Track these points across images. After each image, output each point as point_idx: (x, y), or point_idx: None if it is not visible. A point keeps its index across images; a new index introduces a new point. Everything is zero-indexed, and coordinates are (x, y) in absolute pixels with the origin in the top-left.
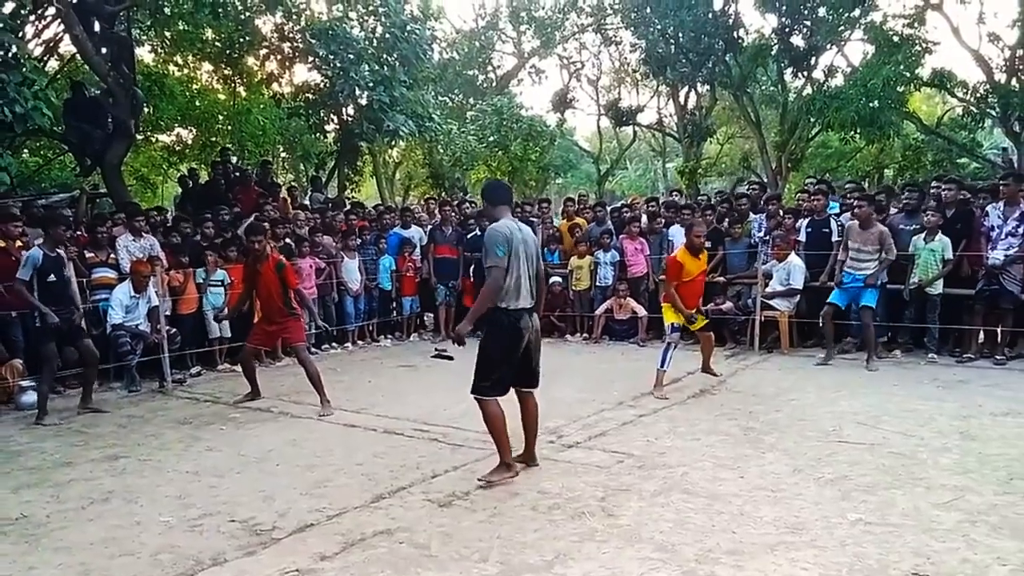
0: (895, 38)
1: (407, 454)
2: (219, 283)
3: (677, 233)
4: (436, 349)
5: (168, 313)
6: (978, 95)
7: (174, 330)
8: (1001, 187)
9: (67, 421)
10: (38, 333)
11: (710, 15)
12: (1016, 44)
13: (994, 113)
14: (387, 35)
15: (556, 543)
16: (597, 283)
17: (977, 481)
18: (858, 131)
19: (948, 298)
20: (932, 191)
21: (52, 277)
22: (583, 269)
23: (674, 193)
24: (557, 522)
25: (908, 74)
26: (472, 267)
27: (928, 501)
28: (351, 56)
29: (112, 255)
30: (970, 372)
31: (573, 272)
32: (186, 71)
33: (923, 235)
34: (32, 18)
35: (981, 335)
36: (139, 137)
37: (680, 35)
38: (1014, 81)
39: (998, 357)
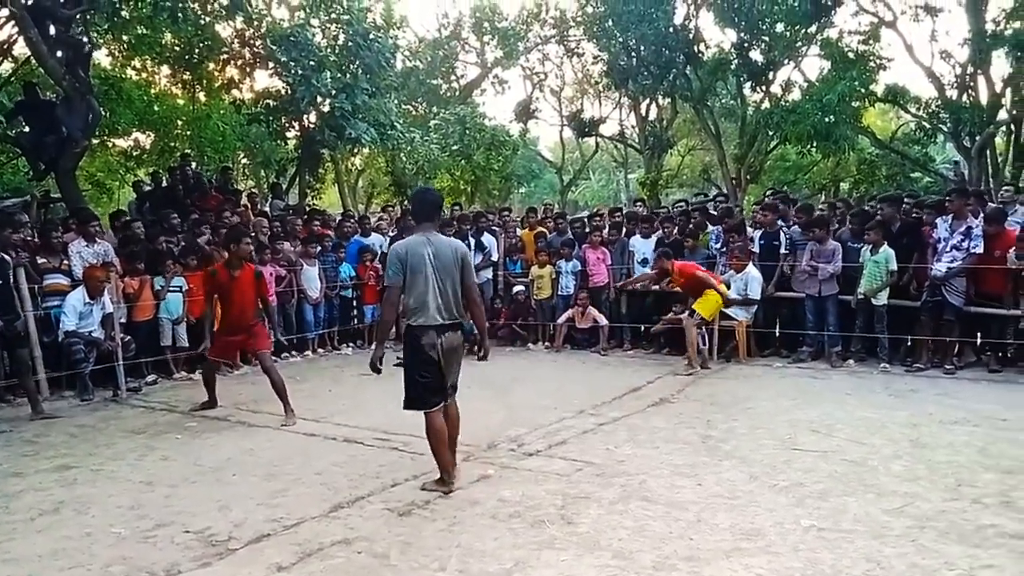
0: (850, 54)
1: (367, 463)
2: (177, 289)
3: (638, 243)
4: (398, 357)
5: (123, 320)
6: (930, 111)
7: (129, 338)
8: (947, 202)
9: (17, 430)
10: None
11: (671, 29)
12: (967, 62)
13: (946, 128)
14: (349, 43)
15: (515, 551)
16: (559, 292)
17: (926, 488)
18: (814, 145)
19: (899, 309)
20: (872, 209)
21: None
22: (544, 278)
23: (636, 204)
24: (516, 530)
25: (863, 90)
26: None
27: (879, 507)
28: (313, 63)
29: (65, 261)
30: (921, 381)
31: (535, 281)
32: (144, 75)
33: (868, 247)
34: None
35: (932, 344)
36: (95, 142)
37: (642, 48)
38: (965, 97)
39: (947, 367)
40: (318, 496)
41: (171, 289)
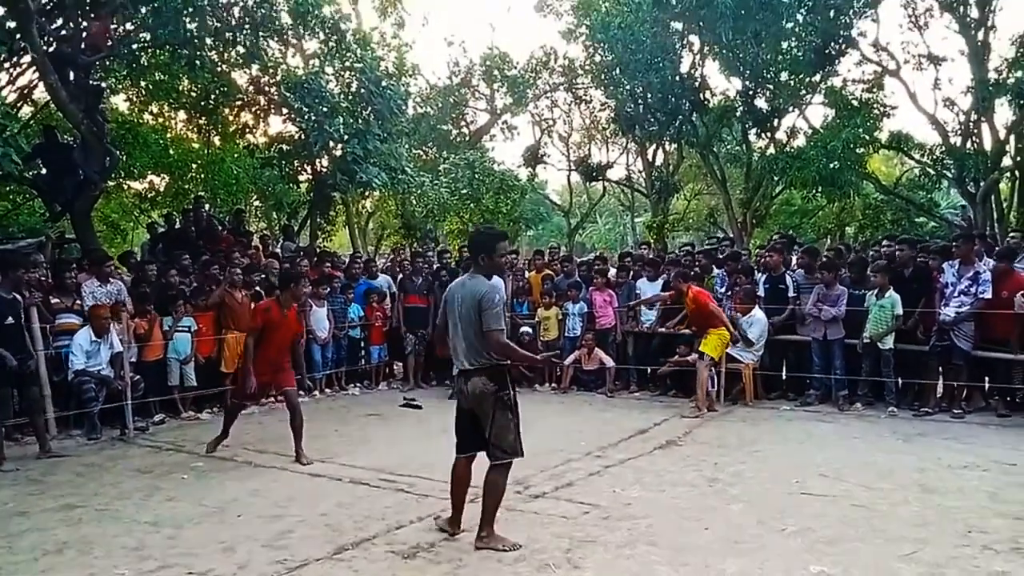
0: (854, 102)
1: (372, 504)
2: (186, 329)
3: (644, 285)
4: (404, 398)
5: (133, 360)
6: (934, 157)
7: (138, 377)
8: (954, 247)
9: (24, 469)
10: None
11: (677, 77)
12: (970, 109)
13: (950, 174)
14: (362, 90)
15: None
16: (566, 334)
17: (936, 534)
18: (819, 190)
19: (906, 353)
20: (884, 250)
21: (9, 320)
22: (551, 320)
23: (643, 247)
24: (522, 574)
25: (867, 136)
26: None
27: (889, 553)
28: (326, 109)
29: (78, 301)
30: (929, 425)
31: (541, 323)
32: (161, 120)
33: (874, 292)
34: (7, 65)
35: (940, 389)
36: (111, 184)
37: (648, 95)
38: (968, 144)
39: (955, 411)
40: (323, 538)
41: (179, 329)
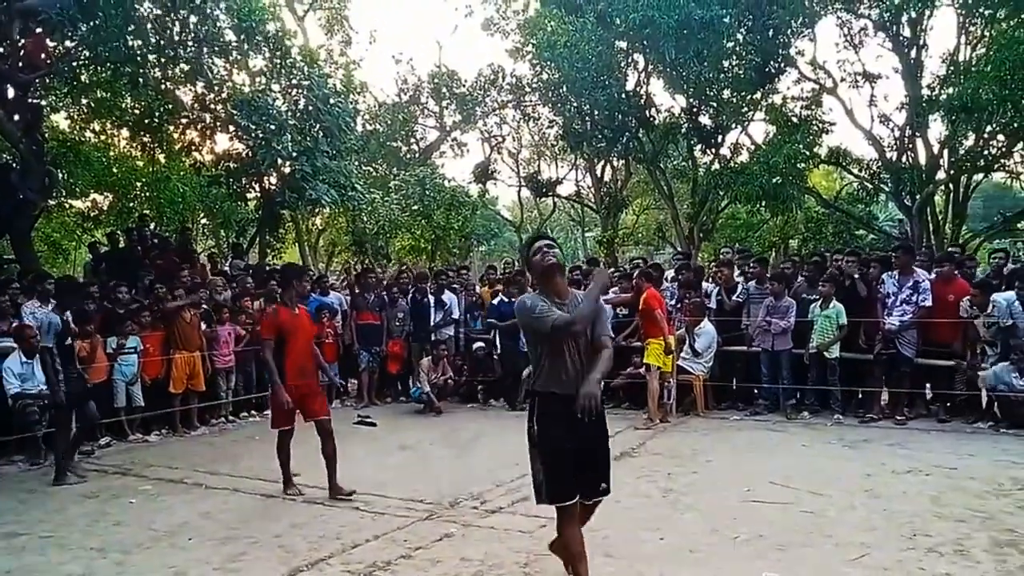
0: (794, 119)
1: (327, 524)
2: (132, 350)
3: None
4: (358, 415)
5: None
6: (872, 172)
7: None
8: (893, 258)
9: None
10: None
11: (623, 95)
12: (904, 124)
13: (887, 188)
14: (310, 107)
15: None
16: (521, 348)
17: (882, 538)
18: (763, 204)
19: (851, 361)
20: (833, 263)
21: None
22: None
23: (591, 262)
24: None
25: (807, 152)
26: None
27: (838, 558)
28: (273, 127)
29: (15, 324)
30: (873, 432)
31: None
32: (103, 138)
33: (819, 302)
34: None
35: (885, 396)
36: (52, 203)
37: (595, 112)
38: (904, 158)
39: (898, 417)
40: (276, 559)
41: (125, 351)
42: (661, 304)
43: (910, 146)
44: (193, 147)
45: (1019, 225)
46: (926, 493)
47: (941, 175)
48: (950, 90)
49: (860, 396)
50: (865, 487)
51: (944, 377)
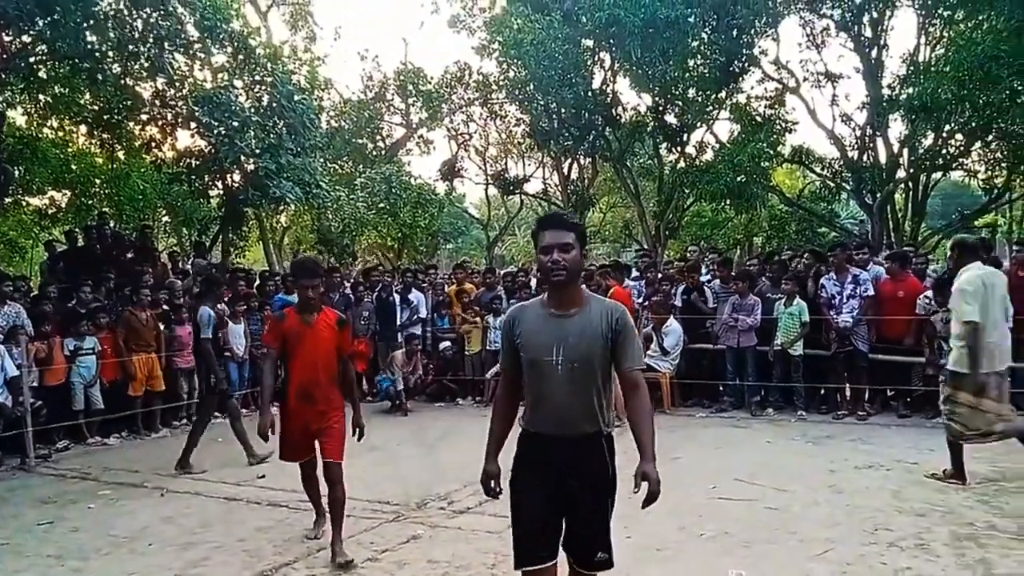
0: (758, 118)
1: (292, 527)
2: (90, 351)
3: None
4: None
5: (35, 384)
6: (833, 170)
7: (39, 403)
8: (830, 258)
9: None
10: None
11: (589, 93)
12: (865, 124)
13: (848, 187)
14: (273, 104)
15: None
16: (487, 347)
17: (846, 533)
18: (728, 202)
19: (814, 358)
20: (791, 261)
21: None
22: (473, 333)
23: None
24: None
25: (771, 151)
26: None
27: (803, 554)
28: (236, 124)
29: None
30: (836, 428)
31: (464, 337)
32: (61, 134)
33: (782, 300)
34: None
35: (848, 391)
36: (7, 200)
37: (562, 110)
38: (865, 157)
39: (860, 413)
40: (240, 564)
41: (83, 352)
42: (629, 302)
43: (871, 145)
44: (154, 144)
45: (976, 223)
46: (887, 488)
47: (901, 174)
48: (910, 90)
49: (823, 392)
50: (828, 483)
51: (904, 373)
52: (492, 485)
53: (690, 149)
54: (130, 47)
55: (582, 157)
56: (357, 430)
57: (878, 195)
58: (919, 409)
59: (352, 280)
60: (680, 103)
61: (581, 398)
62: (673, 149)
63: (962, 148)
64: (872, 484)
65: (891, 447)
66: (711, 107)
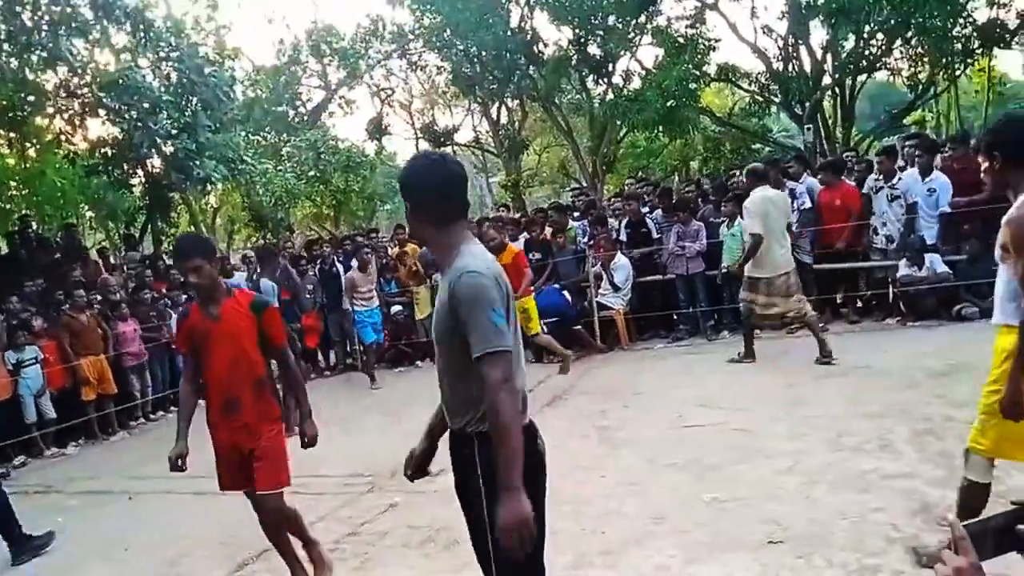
0: (680, 39)
1: None
2: (33, 360)
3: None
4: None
5: None
6: (761, 84)
7: None
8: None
9: None
10: None
11: (508, 32)
12: (787, 33)
13: (777, 99)
14: (184, 80)
15: None
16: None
17: (811, 444)
18: (660, 129)
19: None
20: (731, 181)
21: None
22: (422, 295)
23: (500, 208)
24: (431, 555)
25: (697, 72)
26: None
27: (771, 470)
28: (146, 105)
29: None
30: (790, 343)
31: (414, 301)
32: None
33: (725, 223)
34: None
35: None
36: None
37: (483, 53)
38: (790, 68)
39: None
40: (221, 556)
41: (26, 363)
42: (524, 263)
43: (795, 55)
44: (64, 137)
45: (904, 121)
46: (845, 394)
47: (827, 80)
48: None
49: None
50: (788, 398)
51: (851, 280)
52: None
53: (617, 79)
54: (23, 38)
55: (509, 100)
56: (305, 439)
57: (807, 105)
58: (868, 313)
59: (294, 254)
60: (601, 32)
61: (447, 386)
62: (600, 81)
63: (884, 47)
64: (830, 394)
65: (845, 354)
66: (632, 33)
